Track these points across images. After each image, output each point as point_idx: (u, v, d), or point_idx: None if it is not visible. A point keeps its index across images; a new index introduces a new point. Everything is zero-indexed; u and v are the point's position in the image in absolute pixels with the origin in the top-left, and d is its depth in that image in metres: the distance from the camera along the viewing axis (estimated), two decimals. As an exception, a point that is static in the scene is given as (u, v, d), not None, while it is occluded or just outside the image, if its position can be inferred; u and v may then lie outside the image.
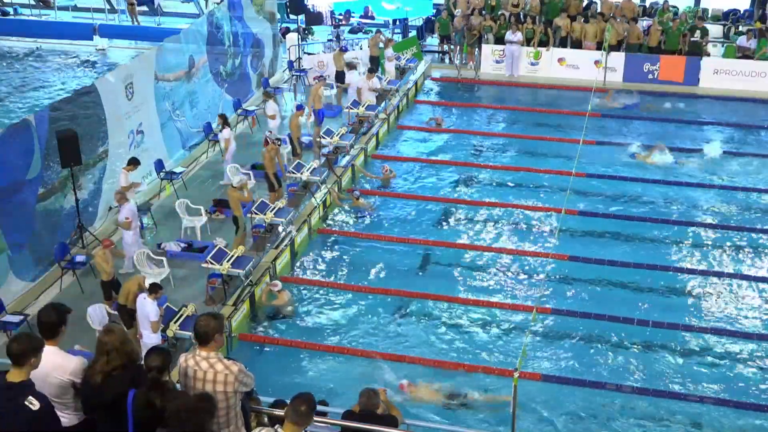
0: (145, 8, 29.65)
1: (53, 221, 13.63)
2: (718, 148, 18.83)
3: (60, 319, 5.54)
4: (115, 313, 11.93)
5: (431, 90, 23.53)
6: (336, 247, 15.18)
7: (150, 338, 10.90)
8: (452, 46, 24.65)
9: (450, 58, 24.95)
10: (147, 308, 11.08)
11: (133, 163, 14.28)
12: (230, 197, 14.00)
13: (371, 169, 18.22)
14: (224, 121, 16.85)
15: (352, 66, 21.16)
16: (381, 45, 22.73)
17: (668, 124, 20.67)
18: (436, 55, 25.76)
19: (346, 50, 22.42)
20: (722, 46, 23.95)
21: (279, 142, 16.06)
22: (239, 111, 19.77)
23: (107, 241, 12.60)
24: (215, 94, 19.82)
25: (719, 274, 14.22)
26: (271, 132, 17.48)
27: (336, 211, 16.36)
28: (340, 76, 21.44)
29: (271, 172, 15.46)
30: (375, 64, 22.35)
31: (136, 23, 28.69)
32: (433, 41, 26.62)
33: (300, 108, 17.73)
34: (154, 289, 11.30)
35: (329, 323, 12.89)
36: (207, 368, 5.55)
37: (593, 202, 16.67)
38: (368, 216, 16.12)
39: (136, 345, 10.72)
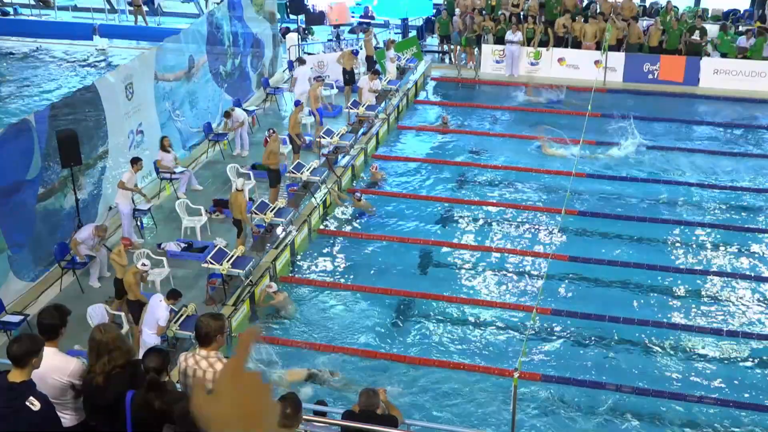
0: (145, 8, 29.63)
1: (53, 221, 13.62)
2: (631, 145, 18.81)
3: (61, 320, 5.55)
4: (117, 313, 11.94)
5: (431, 90, 23.53)
6: (336, 247, 15.19)
7: (150, 338, 10.89)
8: (452, 46, 24.65)
9: (450, 59, 24.94)
10: (160, 312, 10.99)
11: (138, 161, 14.29)
12: (235, 201, 13.95)
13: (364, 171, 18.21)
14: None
15: (302, 61, 21.22)
16: (380, 45, 22.67)
17: (657, 123, 20.68)
18: (436, 55, 25.76)
19: (356, 54, 22.16)
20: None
21: (275, 134, 16.08)
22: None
23: (126, 239, 12.65)
24: (215, 94, 19.82)
25: (719, 274, 14.23)
26: (269, 131, 17.44)
27: (336, 211, 16.36)
28: (348, 75, 21.38)
29: (273, 167, 15.47)
30: (370, 63, 22.33)
31: (143, 24, 28.62)
32: (433, 41, 26.61)
33: (298, 104, 17.71)
34: (173, 295, 11.33)
35: (329, 323, 12.89)
36: (206, 367, 5.56)
37: (593, 202, 16.67)
38: (368, 216, 16.13)
39: (133, 342, 10.80)
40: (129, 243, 12.69)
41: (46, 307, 5.70)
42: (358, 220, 16.07)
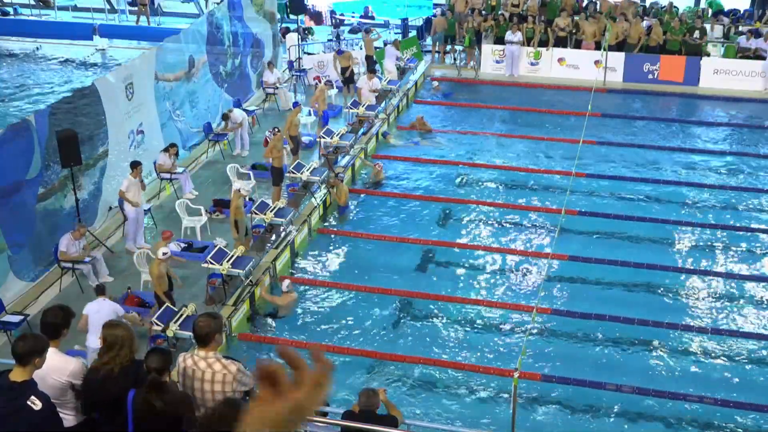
0: (145, 8, 29.68)
1: (53, 221, 13.62)
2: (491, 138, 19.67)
3: (63, 321, 5.57)
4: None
5: (431, 90, 23.53)
6: (336, 247, 15.19)
7: (95, 343, 9.78)
8: (454, 46, 24.65)
9: (452, 58, 24.94)
10: (108, 308, 10.62)
11: (138, 165, 14.14)
12: (232, 202, 13.91)
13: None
14: None
15: (287, 30, 21.28)
16: (382, 46, 22.68)
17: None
18: (437, 55, 25.75)
19: (341, 53, 22.12)
20: (722, 46, 23.95)
21: (279, 133, 16.09)
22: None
23: (167, 232, 12.75)
24: (215, 94, 19.82)
25: (720, 274, 14.22)
26: (275, 129, 17.49)
27: (336, 211, 16.36)
28: (347, 74, 21.37)
29: (276, 164, 15.47)
30: (371, 63, 22.32)
31: (146, 23, 28.60)
32: (433, 41, 26.61)
33: (296, 105, 17.68)
34: (100, 291, 11.11)
35: (329, 323, 12.89)
36: (205, 368, 5.56)
37: (593, 202, 16.67)
38: (365, 215, 16.13)
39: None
40: (170, 234, 12.77)
41: (52, 306, 5.74)
42: (357, 219, 16.05)
